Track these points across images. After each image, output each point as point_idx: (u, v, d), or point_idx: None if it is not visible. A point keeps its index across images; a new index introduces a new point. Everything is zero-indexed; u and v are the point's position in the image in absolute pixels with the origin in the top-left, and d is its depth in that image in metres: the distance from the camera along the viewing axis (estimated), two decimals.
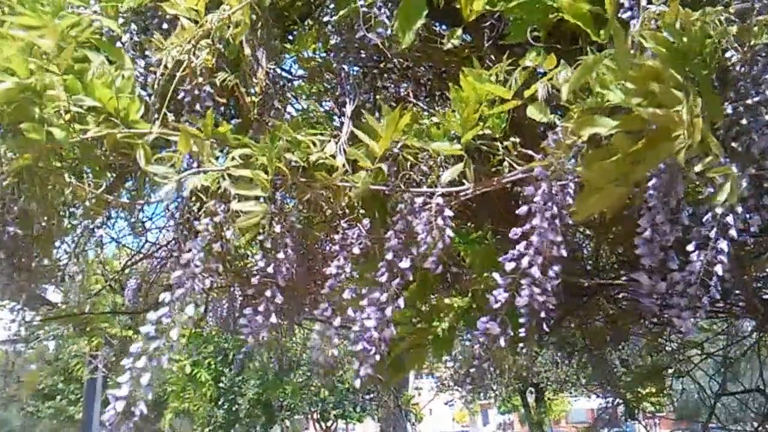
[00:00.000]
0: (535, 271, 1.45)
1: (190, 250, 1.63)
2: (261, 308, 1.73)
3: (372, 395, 16.07)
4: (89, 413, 10.26)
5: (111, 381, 8.88)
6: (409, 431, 17.08)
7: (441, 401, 19.58)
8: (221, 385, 14.96)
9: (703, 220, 1.43)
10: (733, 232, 1.39)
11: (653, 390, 6.23)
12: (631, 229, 1.55)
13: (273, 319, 1.74)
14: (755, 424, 5.78)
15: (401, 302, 1.68)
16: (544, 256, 1.46)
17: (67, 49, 1.57)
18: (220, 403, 15.18)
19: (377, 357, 1.65)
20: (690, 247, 1.43)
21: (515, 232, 1.49)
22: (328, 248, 1.99)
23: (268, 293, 1.74)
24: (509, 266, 1.48)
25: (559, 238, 1.46)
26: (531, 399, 18.13)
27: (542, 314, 1.48)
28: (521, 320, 1.52)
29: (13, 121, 1.56)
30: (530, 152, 1.63)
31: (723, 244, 1.40)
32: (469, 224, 2.67)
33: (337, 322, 1.76)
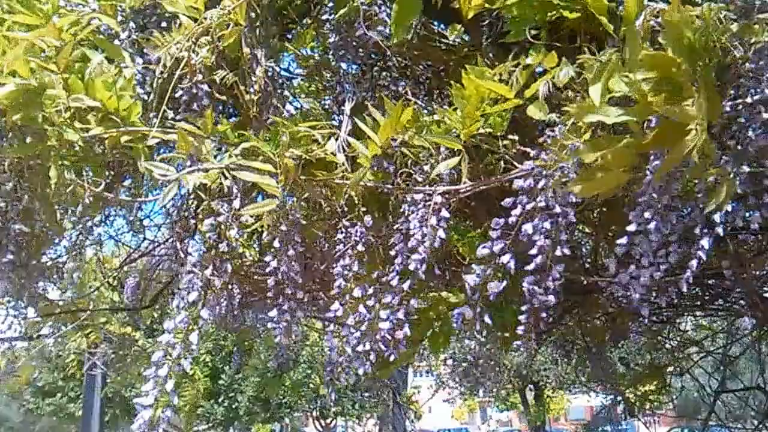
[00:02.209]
0: (507, 258, 1.47)
1: (193, 253, 1.64)
2: (285, 307, 1.74)
3: (371, 393, 16.07)
4: (89, 410, 10.27)
5: (110, 378, 8.89)
6: (408, 429, 17.09)
7: (440, 399, 19.60)
8: (221, 382, 14.97)
9: (691, 215, 1.43)
10: (719, 230, 1.39)
11: (653, 388, 6.23)
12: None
13: (299, 313, 1.76)
14: (755, 422, 5.79)
15: (414, 303, 1.69)
16: (546, 255, 1.47)
17: (66, 47, 1.57)
18: (220, 400, 15.19)
19: (392, 357, 1.67)
20: (672, 238, 1.44)
21: (497, 222, 1.50)
22: (326, 246, 1.99)
23: (288, 291, 1.74)
24: (481, 253, 1.50)
25: (558, 236, 1.47)
26: (530, 396, 18.15)
27: (542, 313, 1.48)
28: (521, 318, 1.53)
29: (16, 120, 1.56)
30: (529, 150, 1.63)
31: (704, 241, 1.40)
32: (467, 222, 2.67)
33: (350, 320, 1.77)
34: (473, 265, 1.55)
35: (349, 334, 1.73)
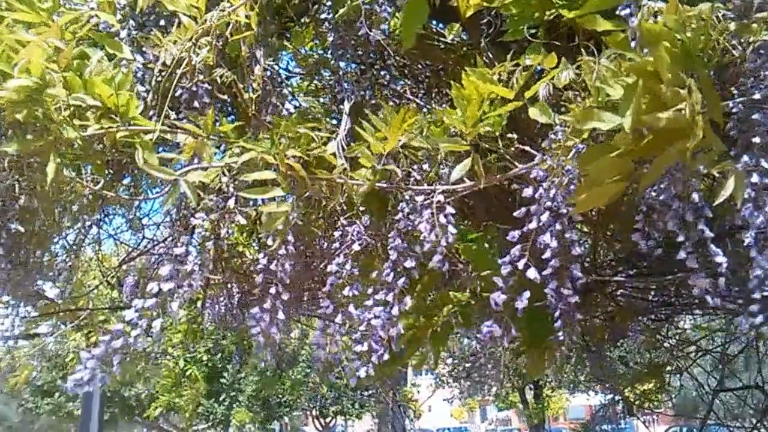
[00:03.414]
0: (533, 273, 1.46)
1: (183, 246, 1.64)
2: (267, 306, 1.72)
3: (370, 392, 16.07)
4: (88, 409, 10.27)
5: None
6: (408, 428, 17.09)
7: (439, 397, 19.60)
8: (222, 380, 14.96)
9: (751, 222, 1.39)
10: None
11: (652, 386, 6.23)
12: (628, 226, 1.54)
13: (281, 315, 1.73)
14: (753, 421, 5.79)
15: (408, 301, 1.69)
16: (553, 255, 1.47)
17: (68, 46, 1.57)
18: (221, 399, 15.19)
19: (385, 356, 1.66)
20: (753, 253, 1.41)
21: (513, 235, 1.49)
22: (325, 245, 1.98)
23: (272, 290, 1.72)
24: (506, 270, 1.49)
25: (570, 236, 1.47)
26: (529, 396, 18.13)
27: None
28: (556, 324, 1.53)
29: (17, 118, 1.55)
30: (529, 149, 1.63)
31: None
32: (466, 221, 2.67)
33: (338, 319, 1.76)
34: (495, 280, 1.53)
35: (350, 332, 1.72)
